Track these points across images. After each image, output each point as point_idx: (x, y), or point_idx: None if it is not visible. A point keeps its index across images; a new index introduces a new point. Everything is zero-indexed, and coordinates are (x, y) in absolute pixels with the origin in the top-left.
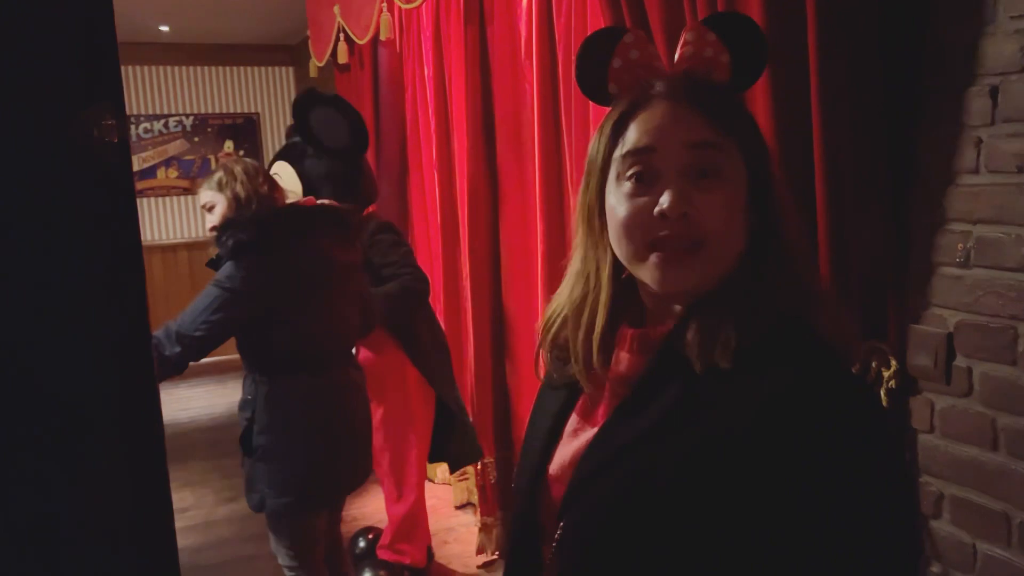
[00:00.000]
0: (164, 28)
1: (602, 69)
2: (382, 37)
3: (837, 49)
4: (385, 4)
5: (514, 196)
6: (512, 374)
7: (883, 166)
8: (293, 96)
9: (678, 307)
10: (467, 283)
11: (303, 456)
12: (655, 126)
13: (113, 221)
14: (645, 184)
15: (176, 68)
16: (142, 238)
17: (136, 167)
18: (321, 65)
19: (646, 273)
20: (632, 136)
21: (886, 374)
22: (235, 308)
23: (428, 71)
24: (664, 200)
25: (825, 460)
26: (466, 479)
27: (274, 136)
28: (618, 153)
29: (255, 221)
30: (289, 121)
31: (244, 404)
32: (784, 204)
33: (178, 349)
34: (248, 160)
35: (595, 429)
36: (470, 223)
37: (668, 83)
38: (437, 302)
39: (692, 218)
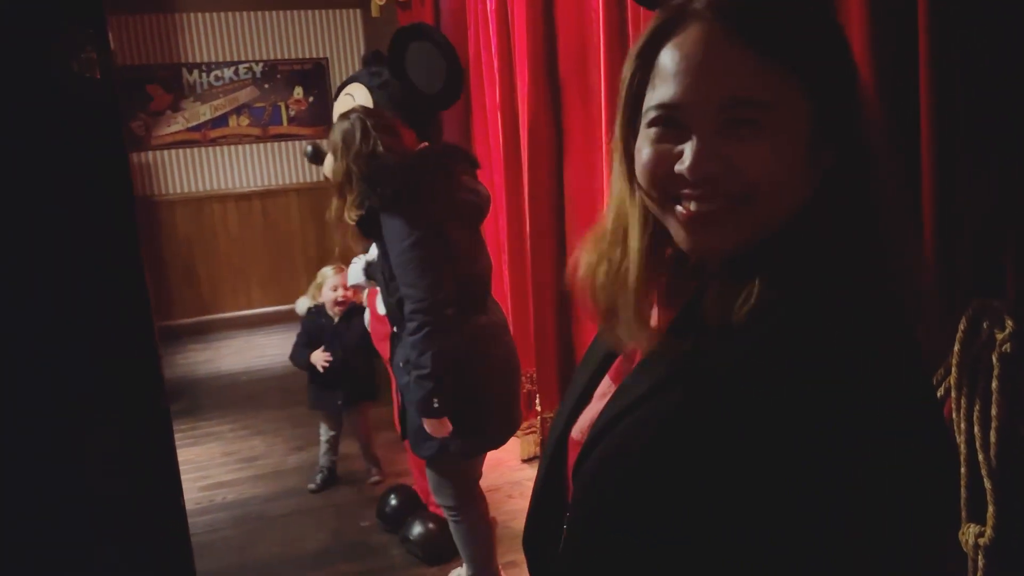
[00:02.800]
0: None
1: None
2: None
3: None
4: None
5: (578, 139)
6: (577, 327)
7: (1009, 92)
8: (361, 39)
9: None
10: (528, 231)
11: (486, 396)
12: (683, 69)
13: (97, 171)
14: (673, 129)
15: (245, 14)
16: (217, 186)
17: (208, 115)
18: (382, 3)
19: (672, 228)
20: (658, 76)
21: (999, 336)
22: (432, 248)
23: (491, 4)
24: (686, 158)
25: (823, 439)
26: (534, 432)
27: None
28: (649, 93)
29: (401, 169)
30: (357, 65)
31: None
32: (869, 136)
33: (431, 318)
34: (348, 118)
35: None
36: (530, 168)
37: None
38: (502, 252)
39: (728, 173)
